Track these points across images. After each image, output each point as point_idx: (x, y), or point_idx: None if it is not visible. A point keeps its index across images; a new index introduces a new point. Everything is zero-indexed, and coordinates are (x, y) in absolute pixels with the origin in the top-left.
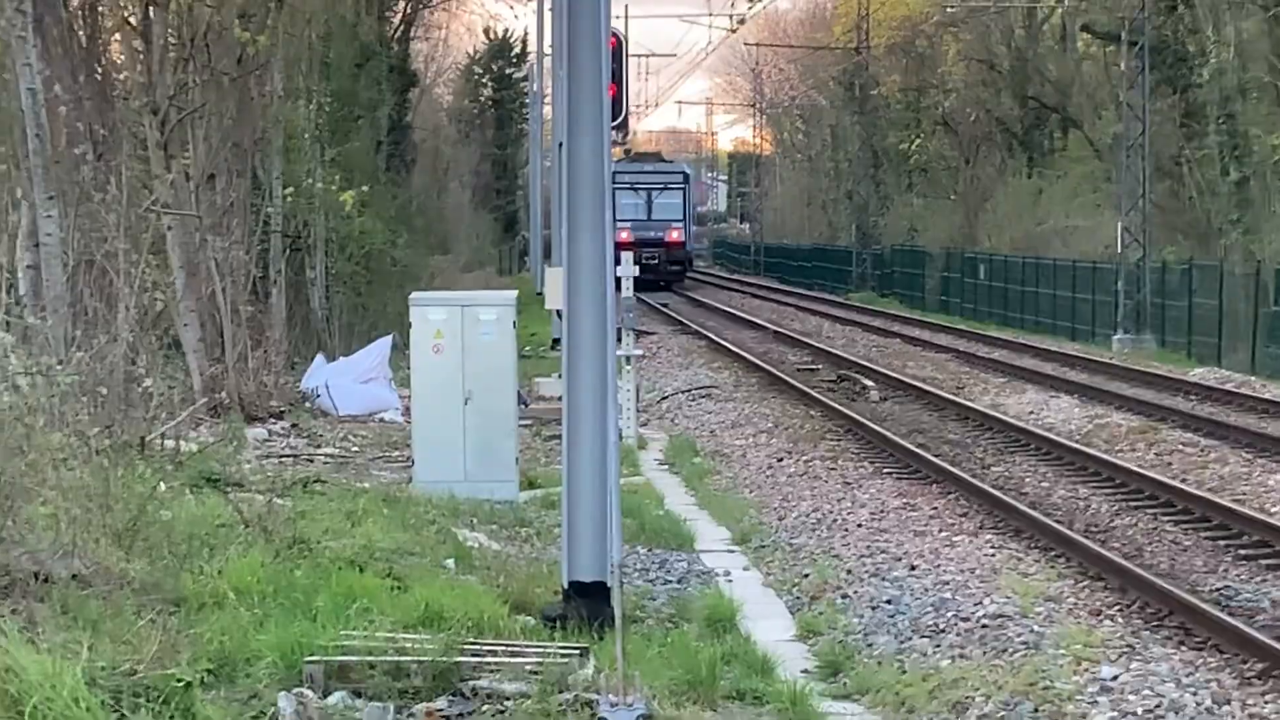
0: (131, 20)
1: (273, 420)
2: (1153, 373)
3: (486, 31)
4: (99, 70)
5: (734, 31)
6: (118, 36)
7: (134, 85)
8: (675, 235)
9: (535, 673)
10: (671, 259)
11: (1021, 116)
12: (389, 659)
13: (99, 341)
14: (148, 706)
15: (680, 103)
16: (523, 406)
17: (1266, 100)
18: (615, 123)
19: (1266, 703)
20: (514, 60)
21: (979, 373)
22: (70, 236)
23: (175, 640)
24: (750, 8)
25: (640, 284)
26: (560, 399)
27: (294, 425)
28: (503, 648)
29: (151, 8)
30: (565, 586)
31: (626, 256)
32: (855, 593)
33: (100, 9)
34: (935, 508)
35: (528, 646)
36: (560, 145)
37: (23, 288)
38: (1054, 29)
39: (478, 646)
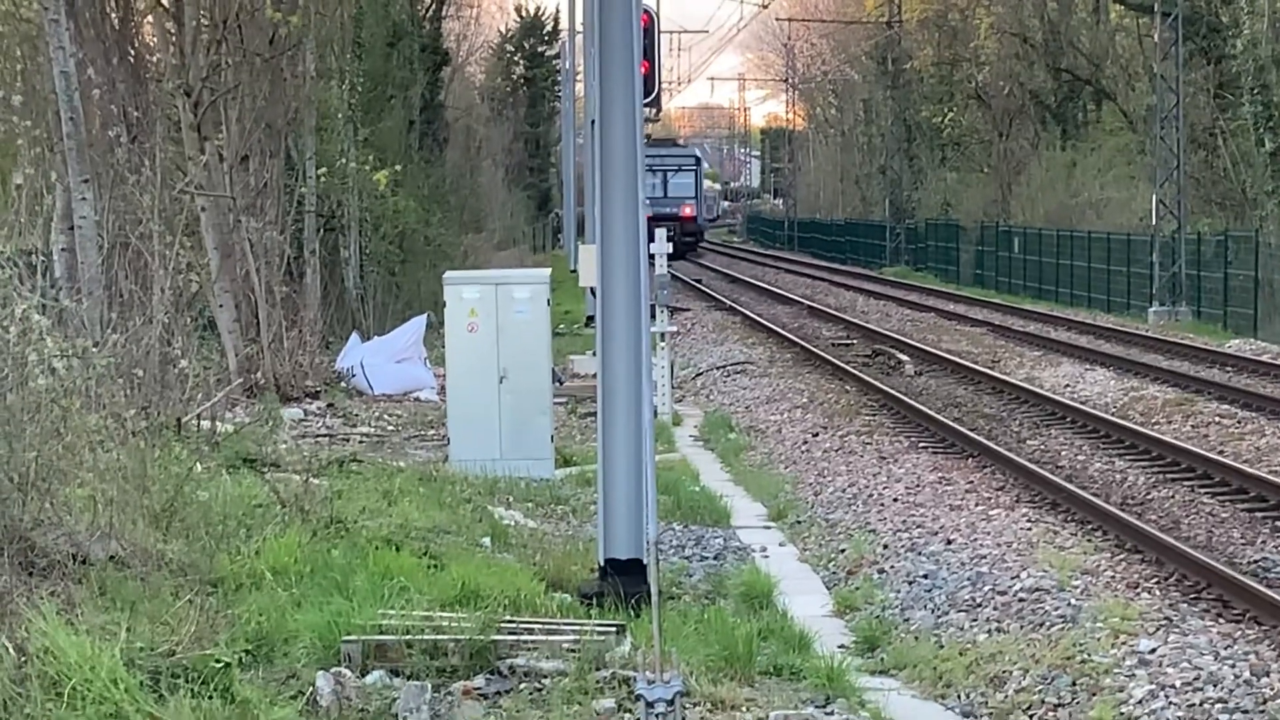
0: (164, 2)
1: (308, 400)
2: (1188, 345)
3: (518, 9)
4: (132, 52)
5: (766, 7)
6: (150, 18)
7: (167, 67)
8: (688, 211)
9: (572, 650)
10: (685, 231)
11: (1055, 89)
12: (426, 638)
13: (134, 323)
14: (186, 687)
15: (713, 79)
16: (557, 384)
17: None
18: (647, 100)
19: None
20: (546, 38)
21: (1014, 346)
22: (105, 219)
23: (213, 621)
24: None
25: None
26: (595, 376)
27: (329, 405)
28: (539, 625)
29: None
30: (601, 564)
31: (660, 233)
32: (892, 567)
33: None
34: (971, 482)
35: (564, 624)
36: (593, 123)
37: (58, 270)
38: (1086, 1)
39: (514, 624)
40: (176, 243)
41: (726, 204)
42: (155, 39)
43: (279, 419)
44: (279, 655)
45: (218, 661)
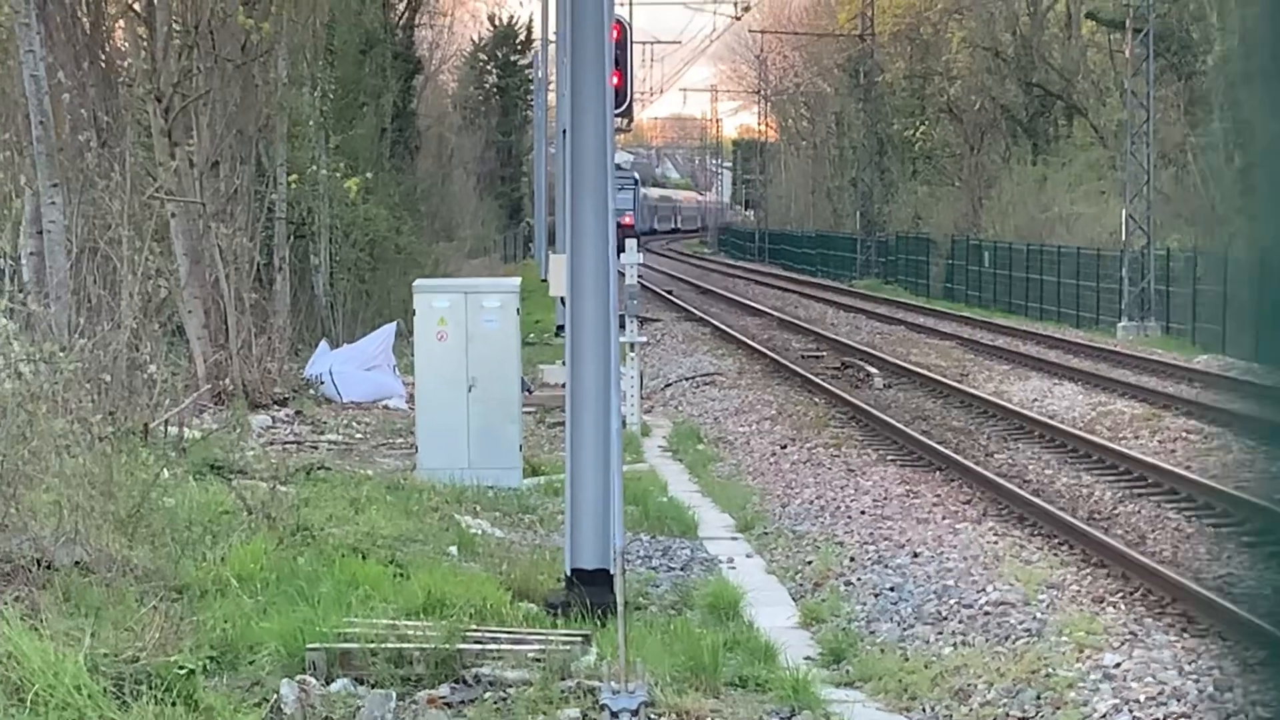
0: (135, 6)
1: (276, 407)
2: (1157, 360)
3: (491, 18)
4: (103, 57)
5: (739, 18)
6: (121, 23)
7: (138, 72)
8: (629, 220)
9: (537, 660)
10: (626, 235)
11: (1026, 104)
12: (391, 646)
13: (102, 328)
14: (150, 693)
15: (685, 90)
16: (526, 394)
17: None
18: (619, 110)
19: (1269, 690)
20: (519, 47)
21: (983, 360)
22: (74, 223)
23: (178, 627)
24: None
25: None
26: (564, 386)
27: (298, 412)
28: (505, 635)
29: None
30: (568, 573)
31: (630, 244)
32: (858, 580)
33: None
34: (938, 495)
35: (530, 634)
36: (564, 133)
37: (26, 274)
38: (1058, 16)
39: (480, 634)
40: (146, 248)
41: (695, 206)
42: (126, 44)
43: (246, 426)
44: (243, 663)
45: (181, 668)
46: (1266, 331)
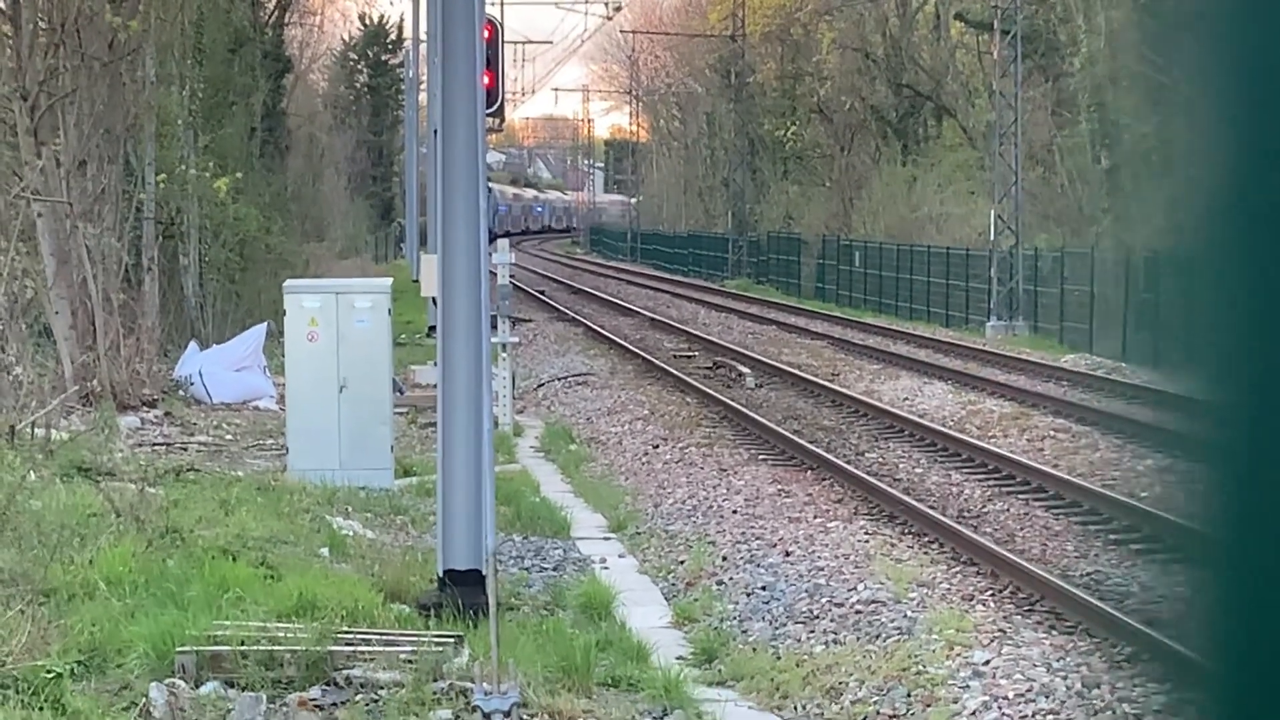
0: (1, 5)
1: (145, 408)
2: (1025, 359)
3: (362, 18)
4: None
5: (610, 19)
6: None
7: (3, 70)
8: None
9: (409, 661)
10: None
11: (896, 104)
12: (262, 649)
13: None
14: (17, 698)
15: (557, 90)
16: (398, 394)
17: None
18: (490, 110)
19: (1135, 686)
20: (390, 47)
21: (854, 359)
22: None
23: (45, 631)
24: None
25: None
26: (436, 387)
27: (167, 413)
28: (377, 636)
29: None
30: (440, 574)
31: (503, 244)
32: (730, 579)
33: None
34: (810, 494)
35: (402, 635)
36: (435, 132)
37: None
38: (927, 17)
39: (352, 635)
40: (12, 248)
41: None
42: None
43: (115, 427)
44: (112, 666)
45: (49, 672)
46: (1133, 330)
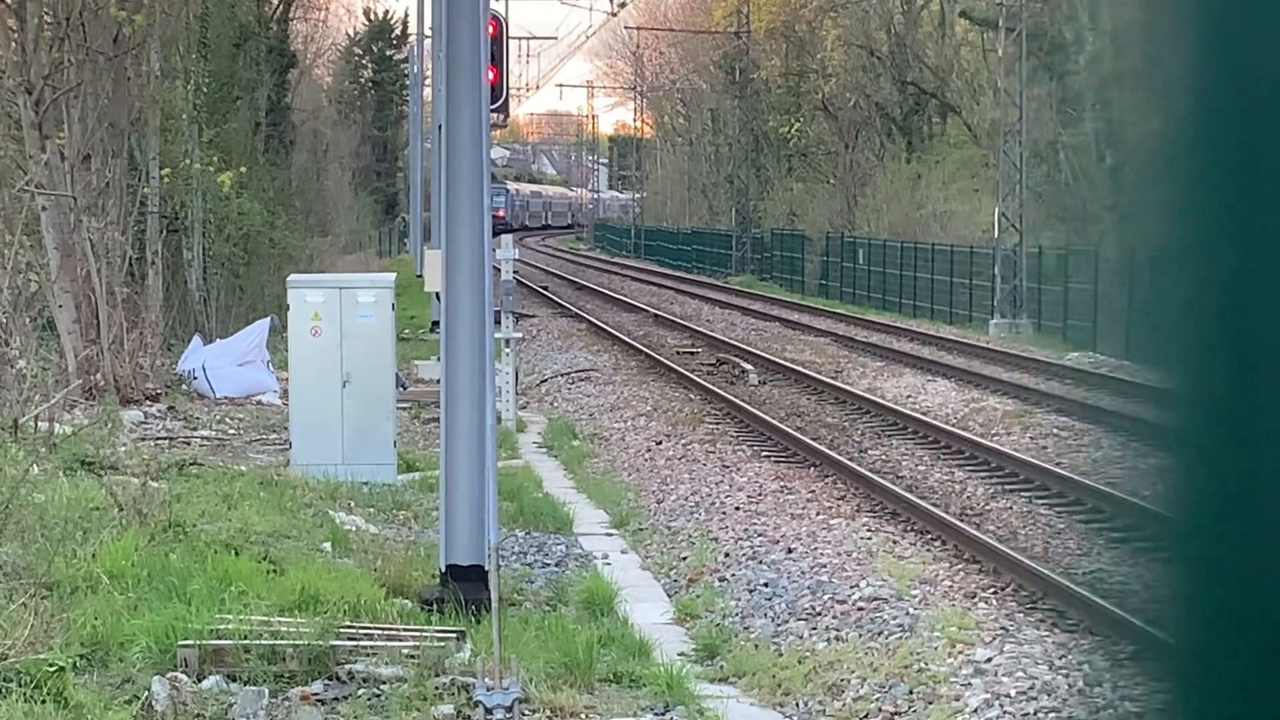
0: None
1: (149, 403)
2: (1029, 357)
3: (366, 13)
4: None
5: (615, 15)
6: None
7: (8, 64)
8: (501, 214)
9: (411, 656)
10: (499, 227)
11: (900, 102)
12: (264, 643)
13: None
14: (19, 691)
15: (561, 86)
16: (401, 389)
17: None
18: (495, 105)
19: (1138, 685)
20: (394, 42)
21: (857, 356)
22: None
23: (47, 624)
24: None
25: None
26: (439, 382)
27: (170, 408)
28: (379, 631)
29: None
30: (443, 570)
31: (507, 239)
32: (733, 576)
33: None
34: (813, 491)
35: (404, 630)
36: (440, 128)
37: None
38: (932, 15)
39: (354, 630)
40: (16, 242)
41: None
42: None
43: (118, 421)
44: (114, 659)
45: (52, 665)
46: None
